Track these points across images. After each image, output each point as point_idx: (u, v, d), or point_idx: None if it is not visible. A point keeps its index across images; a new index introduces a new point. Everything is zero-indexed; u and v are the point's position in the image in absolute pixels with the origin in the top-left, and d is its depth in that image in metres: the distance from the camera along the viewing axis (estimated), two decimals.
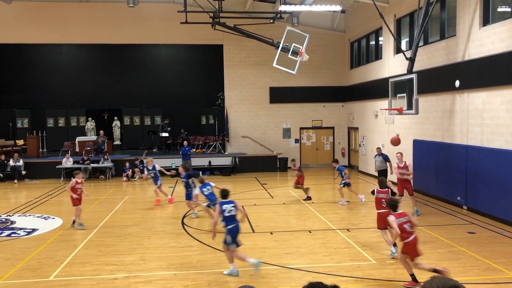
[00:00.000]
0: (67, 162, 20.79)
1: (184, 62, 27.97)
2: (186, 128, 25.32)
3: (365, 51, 22.37)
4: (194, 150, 24.47)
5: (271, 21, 19.98)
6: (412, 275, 7.55)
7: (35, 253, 9.75)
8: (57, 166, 20.76)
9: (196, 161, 22.30)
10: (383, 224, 9.14)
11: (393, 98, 14.45)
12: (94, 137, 23.79)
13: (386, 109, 15.12)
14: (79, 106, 26.69)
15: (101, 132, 23.48)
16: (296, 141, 24.59)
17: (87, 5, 22.90)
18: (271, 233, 11.04)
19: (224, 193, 8.60)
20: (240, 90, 24.20)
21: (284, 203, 14.78)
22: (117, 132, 26.02)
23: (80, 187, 11.92)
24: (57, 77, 26.99)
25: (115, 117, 26.19)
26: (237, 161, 22.64)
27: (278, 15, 19.65)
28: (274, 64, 17.71)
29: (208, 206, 11.49)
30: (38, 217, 13.31)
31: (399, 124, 17.51)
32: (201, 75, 27.36)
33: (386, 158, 15.06)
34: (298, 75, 18.59)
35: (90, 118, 25.70)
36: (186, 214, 13.31)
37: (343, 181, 14.48)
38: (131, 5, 19.59)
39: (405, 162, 12.75)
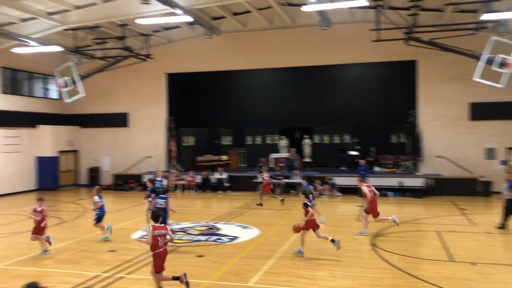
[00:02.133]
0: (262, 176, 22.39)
1: (374, 80, 27.65)
2: (376, 146, 24.87)
3: None
4: (384, 169, 23.85)
5: (472, 32, 18.40)
6: None
7: (237, 259, 10.73)
8: (253, 180, 22.55)
9: (385, 181, 21.69)
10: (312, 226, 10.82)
11: None
12: (286, 154, 25.18)
13: None
14: (274, 125, 28.66)
15: (293, 149, 24.75)
16: (503, 162, 21.84)
17: (283, 32, 24.55)
18: (473, 264, 10.00)
19: None
20: (435, 107, 22.77)
21: (489, 232, 13.26)
22: (307, 149, 27.03)
23: (36, 217, 11.35)
24: (256, 99, 29.58)
25: (306, 135, 27.27)
26: (431, 183, 21.26)
27: (481, 25, 17.99)
28: (474, 78, 16.29)
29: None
30: (238, 226, 14.64)
31: None
32: (390, 92, 26.64)
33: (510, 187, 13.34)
34: (505, 88, 16.67)
35: (283, 136, 27.35)
36: (376, 234, 13.01)
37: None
38: (324, 27, 20.31)
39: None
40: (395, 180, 21.73)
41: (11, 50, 22.33)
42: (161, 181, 15.20)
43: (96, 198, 12.87)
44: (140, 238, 13.00)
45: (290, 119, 28.35)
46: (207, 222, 15.32)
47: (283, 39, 24.71)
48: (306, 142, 27.13)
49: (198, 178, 24.04)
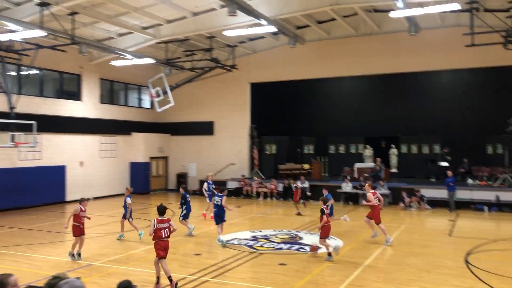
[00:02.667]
0: (346, 187, 21.97)
1: (466, 87, 26.00)
2: (469, 157, 23.35)
3: None
4: (478, 182, 22.30)
5: None
6: (158, 278, 9.09)
7: (320, 269, 10.57)
8: (337, 190, 22.16)
9: (479, 195, 20.28)
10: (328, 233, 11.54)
11: None
12: (371, 164, 24.46)
13: None
14: (358, 134, 28.00)
15: (378, 159, 23.98)
16: None
17: (369, 38, 23.99)
18: None
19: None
20: None
21: None
22: (394, 159, 26.05)
23: (84, 215, 11.66)
24: (339, 107, 29.13)
25: (392, 145, 26.31)
26: None
27: None
28: None
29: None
30: None
31: None
32: (485, 100, 24.88)
33: None
34: None
35: (368, 146, 26.61)
36: (470, 251, 12.15)
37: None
38: (413, 33, 19.55)
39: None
40: (492, 193, 20.23)
41: (110, 63, 24.11)
42: (212, 184, 18.06)
43: (128, 199, 13.76)
44: (224, 243, 13.28)
45: (376, 128, 27.50)
46: (289, 231, 15.29)
47: (368, 46, 24.15)
48: (393, 151, 26.16)
49: (280, 186, 24.13)
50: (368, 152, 26.30)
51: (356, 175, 24.13)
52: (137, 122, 28.25)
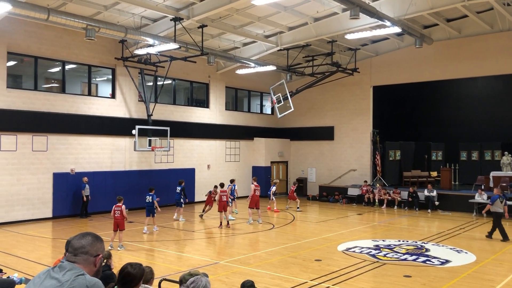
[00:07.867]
0: (480, 197, 20.14)
1: None
2: None
3: None
4: None
5: None
6: (221, 223, 16.76)
7: (449, 284, 9.83)
8: (469, 200, 20.45)
9: None
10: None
11: None
12: (510, 173, 22.12)
13: None
14: (494, 139, 25.56)
15: None
16: None
17: (507, 35, 21.80)
18: None
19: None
20: None
21: None
22: None
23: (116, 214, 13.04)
24: (471, 110, 26.91)
25: None
26: None
27: None
28: None
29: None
30: (451, 249, 13.43)
31: None
32: None
33: None
34: None
35: (506, 152, 24.09)
36: None
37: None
38: None
39: None
40: None
41: (235, 72, 25.27)
42: (274, 185, 22.08)
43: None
44: (345, 250, 13.06)
45: None
46: (414, 242, 14.49)
47: (506, 42, 21.93)
48: None
49: (405, 195, 22.98)
50: (507, 159, 23.77)
51: (491, 184, 22.01)
52: (258, 127, 29.15)
